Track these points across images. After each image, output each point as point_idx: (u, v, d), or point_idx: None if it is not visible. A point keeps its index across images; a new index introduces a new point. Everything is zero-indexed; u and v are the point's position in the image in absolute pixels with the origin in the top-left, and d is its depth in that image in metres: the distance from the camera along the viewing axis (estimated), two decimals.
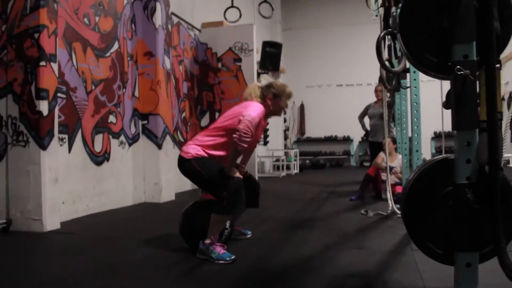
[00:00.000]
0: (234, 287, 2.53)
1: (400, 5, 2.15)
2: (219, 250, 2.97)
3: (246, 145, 3.01)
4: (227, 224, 3.30)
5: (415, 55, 1.98)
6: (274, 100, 3.32)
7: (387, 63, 2.79)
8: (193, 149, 3.17)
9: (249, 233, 3.72)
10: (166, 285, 2.56)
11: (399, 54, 2.77)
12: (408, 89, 4.49)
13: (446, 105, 1.97)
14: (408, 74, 4.00)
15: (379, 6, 3.44)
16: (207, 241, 3.01)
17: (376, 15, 4.49)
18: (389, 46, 2.82)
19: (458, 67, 1.73)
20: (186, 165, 3.16)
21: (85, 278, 2.68)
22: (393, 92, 6.80)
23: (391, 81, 3.71)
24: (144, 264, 2.97)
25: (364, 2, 6.11)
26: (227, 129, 3.16)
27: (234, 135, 2.99)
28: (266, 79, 12.67)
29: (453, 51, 1.77)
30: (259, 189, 3.57)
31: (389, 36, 2.76)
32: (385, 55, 2.92)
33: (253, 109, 3.15)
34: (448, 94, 1.90)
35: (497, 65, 1.75)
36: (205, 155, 3.15)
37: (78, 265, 2.97)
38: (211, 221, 3.04)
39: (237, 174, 3.04)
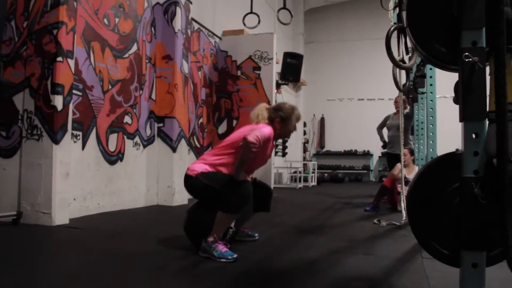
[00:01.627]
0: (234, 284, 2.47)
1: None
2: (222, 248, 2.91)
3: (251, 153, 2.98)
4: (232, 223, 3.24)
5: (423, 45, 1.91)
6: (282, 124, 3.27)
7: (400, 63, 2.73)
8: (199, 167, 3.14)
9: (256, 235, 3.66)
10: (165, 280, 2.52)
11: (410, 51, 2.71)
12: (426, 100, 4.41)
13: (456, 100, 1.90)
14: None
15: (394, 6, 3.38)
16: (210, 239, 2.96)
17: (395, 22, 4.43)
18: (401, 43, 2.76)
19: (466, 53, 1.66)
20: (191, 181, 3.13)
21: (87, 270, 2.66)
22: (412, 104, 6.72)
23: (405, 84, 3.63)
24: (146, 259, 2.94)
25: (386, 16, 6.03)
26: (235, 147, 3.12)
27: (241, 143, 2.98)
28: (286, 90, 12.67)
29: (461, 38, 1.70)
30: (271, 193, 3.54)
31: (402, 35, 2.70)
32: (400, 55, 2.86)
33: (264, 129, 3.12)
34: (456, 85, 1.83)
35: (508, 54, 1.68)
36: (211, 170, 3.12)
37: (81, 258, 2.96)
38: (216, 220, 2.99)
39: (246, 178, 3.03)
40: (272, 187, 8.39)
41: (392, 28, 2.35)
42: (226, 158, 3.15)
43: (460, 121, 1.74)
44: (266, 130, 3.12)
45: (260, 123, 3.24)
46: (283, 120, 3.27)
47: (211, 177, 3.08)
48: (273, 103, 8.23)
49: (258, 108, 3.38)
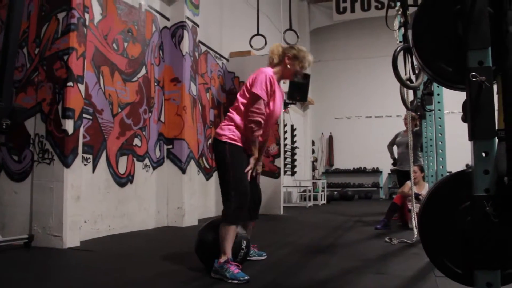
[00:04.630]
0: None
1: None
2: (234, 269, 2.90)
3: (260, 133, 3.18)
4: (243, 244, 3.24)
5: (429, 65, 1.93)
6: (291, 61, 3.31)
7: (407, 82, 2.75)
8: (228, 130, 3.19)
9: (263, 254, 3.65)
10: None
11: (416, 70, 2.73)
12: (434, 117, 4.41)
13: (464, 118, 1.90)
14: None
15: (400, 25, 3.42)
16: (222, 260, 2.96)
17: (400, 41, 4.47)
18: (407, 62, 2.78)
19: (473, 73, 1.67)
20: (220, 148, 3.17)
21: None
22: (421, 121, 6.72)
23: (412, 102, 3.64)
24: (158, 281, 2.94)
25: (392, 34, 6.08)
26: (242, 107, 3.22)
27: (246, 127, 3.13)
28: (294, 109, 12.72)
29: (467, 58, 1.72)
30: (260, 202, 3.60)
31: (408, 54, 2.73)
32: (406, 74, 2.88)
33: (260, 82, 3.15)
34: (464, 104, 1.84)
35: None
36: (240, 143, 3.17)
37: (92, 280, 2.96)
38: (220, 237, 3.00)
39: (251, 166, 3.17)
40: (281, 206, 8.43)
41: (398, 49, 2.38)
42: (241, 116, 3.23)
43: (470, 140, 1.75)
44: (262, 75, 3.17)
45: (260, 69, 3.28)
46: (294, 56, 3.31)
47: (234, 154, 3.13)
48: (281, 123, 8.27)
49: (274, 44, 3.44)
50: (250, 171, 3.19)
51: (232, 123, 3.20)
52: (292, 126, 12.43)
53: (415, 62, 2.58)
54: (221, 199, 3.14)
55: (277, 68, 3.33)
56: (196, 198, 6.50)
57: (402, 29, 3.08)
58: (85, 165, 4.67)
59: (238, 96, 3.30)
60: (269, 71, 3.25)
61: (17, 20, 4.04)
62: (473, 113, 1.71)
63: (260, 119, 3.11)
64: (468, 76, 1.70)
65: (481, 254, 1.73)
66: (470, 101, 1.71)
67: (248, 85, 3.25)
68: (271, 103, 3.24)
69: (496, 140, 1.72)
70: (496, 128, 1.73)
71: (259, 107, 3.12)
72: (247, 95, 3.21)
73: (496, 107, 1.74)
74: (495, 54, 1.72)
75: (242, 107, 3.22)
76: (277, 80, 3.30)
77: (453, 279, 1.93)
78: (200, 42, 7.25)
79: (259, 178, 3.59)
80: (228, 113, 3.29)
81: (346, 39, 16.20)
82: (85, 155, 4.65)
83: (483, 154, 1.72)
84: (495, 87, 1.78)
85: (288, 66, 3.31)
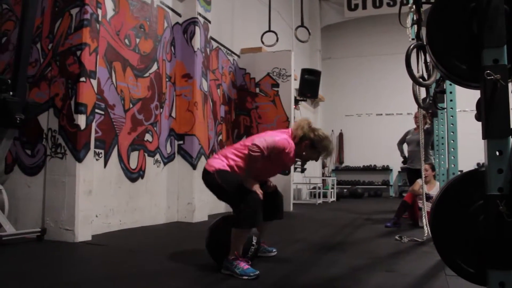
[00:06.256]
0: None
1: None
2: (243, 265, 2.92)
3: (255, 159, 3.00)
4: (254, 240, 3.25)
5: (443, 62, 1.92)
6: (309, 147, 3.26)
7: (420, 80, 2.74)
8: (217, 163, 3.17)
9: (273, 250, 3.66)
10: None
11: (430, 67, 2.71)
12: (446, 115, 4.38)
13: (478, 117, 1.89)
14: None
15: (412, 23, 3.40)
16: (231, 257, 2.97)
17: (413, 38, 4.44)
18: (420, 60, 2.77)
19: (488, 71, 1.66)
20: (208, 177, 3.17)
21: (108, 286, 2.69)
22: (432, 119, 6.68)
23: (425, 100, 3.62)
24: (169, 276, 2.96)
25: (403, 31, 6.03)
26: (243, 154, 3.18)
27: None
28: (304, 106, 12.70)
29: (482, 56, 1.70)
30: (281, 203, 3.54)
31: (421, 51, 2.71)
32: (418, 72, 2.87)
33: (277, 137, 3.12)
34: (478, 103, 1.82)
35: None
36: (228, 169, 3.14)
37: (103, 274, 3.00)
38: (232, 236, 3.01)
39: (256, 188, 3.01)
40: (291, 203, 8.43)
41: (411, 46, 2.36)
42: (243, 160, 3.16)
43: (483, 138, 1.74)
44: (279, 139, 3.10)
45: (285, 133, 3.24)
46: (312, 144, 3.24)
47: (226, 179, 3.09)
48: (292, 119, 8.27)
49: (303, 120, 3.35)
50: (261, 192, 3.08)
51: (224, 160, 3.18)
52: None
53: (428, 59, 2.57)
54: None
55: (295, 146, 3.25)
56: (206, 193, 6.48)
57: (415, 27, 3.07)
58: (97, 160, 4.71)
59: (240, 143, 3.29)
60: (291, 146, 3.18)
61: (31, 16, 4.09)
62: (488, 112, 1.70)
63: (258, 155, 3.00)
64: (483, 74, 1.69)
65: (494, 254, 1.72)
66: (485, 99, 1.70)
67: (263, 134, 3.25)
68: (268, 163, 3.19)
69: (511, 139, 1.71)
70: (511, 127, 1.72)
71: (262, 146, 3.01)
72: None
73: (511, 106, 1.73)
74: (511, 53, 1.71)
75: (240, 152, 3.20)
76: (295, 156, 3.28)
77: (465, 278, 1.92)
78: (211, 38, 7.26)
79: (273, 185, 3.53)
80: (224, 151, 3.29)
81: (357, 36, 16.10)
82: (97, 150, 4.69)
83: (497, 153, 1.71)
84: (510, 85, 1.77)
85: (302, 152, 3.27)
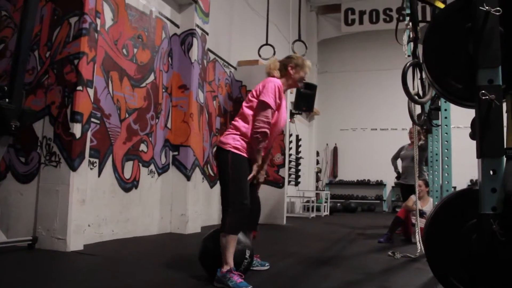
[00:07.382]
0: None
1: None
2: (237, 279, 2.90)
3: (266, 144, 3.21)
4: (247, 254, 3.23)
5: (439, 81, 1.95)
6: (295, 69, 3.41)
7: (416, 97, 2.76)
8: (232, 139, 3.17)
9: (266, 264, 3.65)
10: None
11: (426, 85, 2.74)
12: (440, 132, 4.42)
13: (472, 136, 1.91)
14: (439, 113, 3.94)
15: (409, 40, 3.43)
16: (225, 269, 2.95)
17: (409, 55, 4.49)
18: (417, 79, 2.80)
19: (483, 91, 1.69)
20: (222, 156, 3.16)
21: None
22: (426, 135, 6.72)
23: (420, 117, 3.65)
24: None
25: (399, 47, 6.08)
26: (248, 115, 3.22)
27: (252, 137, 3.14)
28: (299, 120, 12.74)
29: (477, 76, 1.73)
30: (259, 212, 3.68)
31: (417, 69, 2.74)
32: (414, 89, 2.89)
33: (269, 91, 3.18)
34: (473, 122, 1.84)
35: None
36: (244, 153, 3.14)
37: (94, 284, 2.97)
38: (221, 246, 3.00)
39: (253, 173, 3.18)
40: (285, 217, 8.41)
41: (408, 64, 2.39)
42: (248, 124, 3.22)
43: (478, 157, 1.76)
44: (271, 84, 3.21)
45: (268, 78, 3.32)
46: (297, 65, 3.42)
47: (237, 164, 3.11)
48: (287, 134, 8.29)
49: (270, 60, 3.51)
50: (251, 178, 3.20)
51: (237, 132, 3.20)
52: (297, 136, 12.44)
53: (424, 76, 2.60)
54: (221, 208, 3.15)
55: (283, 79, 3.38)
56: (200, 205, 6.50)
57: (411, 44, 3.10)
58: (91, 169, 4.69)
59: (243, 104, 3.32)
60: (278, 81, 3.28)
61: (30, 24, 4.10)
62: (482, 131, 1.72)
63: (266, 130, 3.12)
64: (478, 94, 1.71)
65: (486, 272, 1.73)
66: (479, 119, 1.72)
67: (255, 93, 3.27)
68: (276, 114, 3.26)
69: (505, 159, 1.73)
70: (505, 146, 1.74)
71: (267, 115, 3.13)
72: (254, 104, 3.23)
73: (505, 126, 1.75)
74: (506, 73, 1.73)
75: (248, 116, 3.22)
76: (284, 92, 3.33)
77: None
78: (209, 50, 7.29)
79: (258, 188, 3.59)
80: (233, 121, 3.30)
81: (353, 51, 16.25)
82: (91, 159, 4.67)
83: (491, 172, 1.73)
84: (504, 105, 1.79)
85: (293, 75, 3.41)
